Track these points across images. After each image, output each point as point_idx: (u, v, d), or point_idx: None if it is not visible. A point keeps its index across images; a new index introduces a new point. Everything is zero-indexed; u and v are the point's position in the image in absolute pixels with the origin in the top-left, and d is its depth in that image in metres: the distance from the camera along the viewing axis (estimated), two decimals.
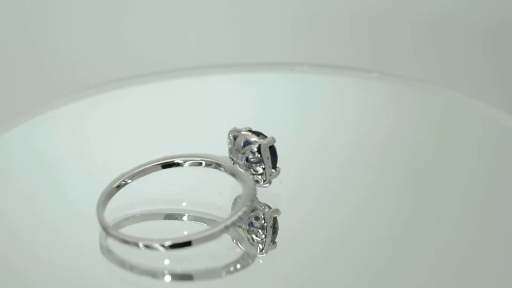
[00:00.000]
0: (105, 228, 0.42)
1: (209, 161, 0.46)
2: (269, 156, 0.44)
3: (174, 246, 0.40)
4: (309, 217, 0.46)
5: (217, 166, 0.46)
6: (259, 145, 0.43)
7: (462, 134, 0.54)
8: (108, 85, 0.61)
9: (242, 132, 0.44)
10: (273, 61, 0.69)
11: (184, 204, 0.46)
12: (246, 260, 0.42)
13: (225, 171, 0.45)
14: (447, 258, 0.43)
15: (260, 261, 0.42)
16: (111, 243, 0.42)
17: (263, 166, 0.44)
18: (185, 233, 0.43)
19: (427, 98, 0.58)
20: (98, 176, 0.48)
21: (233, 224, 0.42)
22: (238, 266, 0.42)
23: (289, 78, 0.62)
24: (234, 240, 0.43)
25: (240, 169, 0.45)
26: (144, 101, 0.60)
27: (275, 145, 0.45)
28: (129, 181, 0.45)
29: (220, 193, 0.46)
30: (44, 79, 0.88)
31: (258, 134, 0.45)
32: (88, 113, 0.58)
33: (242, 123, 0.45)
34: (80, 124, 0.56)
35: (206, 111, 0.58)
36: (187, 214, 0.45)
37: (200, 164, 0.46)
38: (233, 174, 0.45)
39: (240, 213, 0.42)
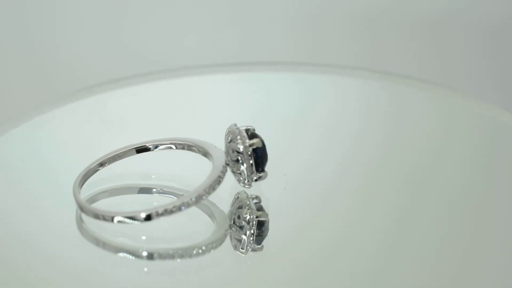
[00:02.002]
0: (80, 206, 0.43)
1: (180, 143, 0.46)
2: (252, 157, 0.44)
3: (148, 218, 0.41)
4: (306, 218, 0.46)
5: (189, 147, 0.46)
6: (241, 145, 0.43)
7: (462, 134, 0.54)
8: (108, 85, 0.61)
9: (233, 129, 0.44)
10: (273, 61, 0.69)
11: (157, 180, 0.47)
12: (217, 243, 0.43)
13: (199, 152, 0.46)
14: (447, 262, 0.43)
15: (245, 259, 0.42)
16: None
17: (244, 167, 0.44)
18: (155, 203, 0.43)
19: (427, 98, 0.58)
20: (99, 175, 0.48)
21: (192, 202, 0.42)
22: (212, 246, 0.42)
23: (289, 78, 0.62)
24: (214, 222, 0.44)
25: (212, 149, 0.45)
26: (146, 100, 0.60)
27: (272, 148, 0.45)
28: (100, 168, 0.46)
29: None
30: (44, 79, 0.88)
31: (252, 134, 0.44)
32: (88, 113, 0.58)
33: (241, 123, 0.45)
34: (80, 124, 0.56)
35: (206, 110, 0.58)
36: (157, 188, 0.47)
37: (171, 147, 0.47)
38: (205, 154, 0.45)
39: (200, 190, 0.42)
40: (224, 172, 0.43)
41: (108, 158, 0.47)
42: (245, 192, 0.45)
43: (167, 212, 0.41)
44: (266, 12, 0.92)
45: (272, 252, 0.43)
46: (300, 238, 0.44)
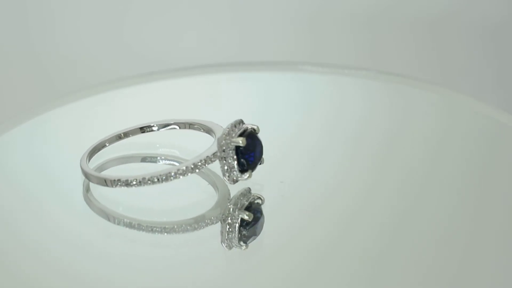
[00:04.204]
0: (86, 174, 0.45)
1: (181, 123, 0.49)
2: (233, 156, 0.44)
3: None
4: (303, 218, 0.46)
5: (191, 126, 0.48)
6: (223, 140, 0.43)
7: (462, 134, 0.54)
8: (108, 85, 0.61)
9: (229, 125, 0.44)
10: (274, 60, 0.69)
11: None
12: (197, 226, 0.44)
13: (203, 131, 0.48)
14: (445, 263, 0.43)
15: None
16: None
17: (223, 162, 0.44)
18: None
19: (427, 98, 0.58)
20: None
21: (189, 168, 0.43)
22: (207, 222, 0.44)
23: (289, 77, 0.62)
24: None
25: (216, 126, 0.46)
26: (146, 100, 0.60)
27: (271, 148, 0.44)
28: (107, 144, 0.49)
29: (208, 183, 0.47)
30: (44, 79, 0.88)
31: (248, 133, 0.44)
32: (88, 113, 0.58)
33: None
34: (80, 123, 0.56)
35: (205, 109, 0.58)
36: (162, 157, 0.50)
37: (175, 128, 0.49)
38: (209, 131, 0.47)
39: (196, 160, 0.43)
40: (205, 161, 0.44)
41: (114, 136, 0.49)
42: (246, 189, 0.45)
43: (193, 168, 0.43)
44: (266, 12, 0.92)
45: (262, 254, 0.43)
46: (297, 241, 0.44)
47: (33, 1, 0.91)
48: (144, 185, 0.43)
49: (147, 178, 0.43)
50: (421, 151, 0.52)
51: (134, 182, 0.43)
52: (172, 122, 0.49)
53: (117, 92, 0.60)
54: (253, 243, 0.43)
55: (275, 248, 0.43)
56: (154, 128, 0.50)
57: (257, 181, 0.45)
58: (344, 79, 0.61)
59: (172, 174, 0.43)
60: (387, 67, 0.81)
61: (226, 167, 0.44)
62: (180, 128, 0.49)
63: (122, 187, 0.43)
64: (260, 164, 0.45)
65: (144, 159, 0.49)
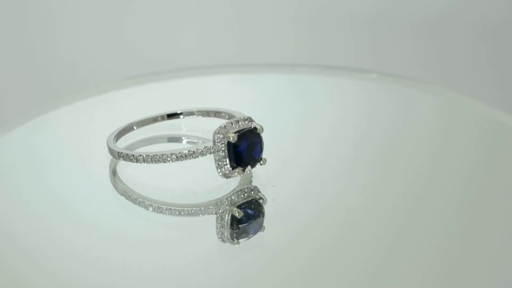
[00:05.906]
0: (111, 150, 0.47)
1: (206, 112, 0.52)
2: (225, 150, 0.44)
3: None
4: (304, 219, 0.46)
5: (217, 114, 0.52)
6: (217, 134, 0.44)
7: (462, 134, 0.54)
8: (108, 85, 0.61)
9: (231, 121, 0.44)
10: (274, 62, 0.69)
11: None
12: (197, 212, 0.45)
13: (228, 118, 0.50)
14: (444, 263, 0.43)
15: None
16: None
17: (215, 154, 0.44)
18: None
19: (427, 98, 0.58)
20: (98, 175, 0.48)
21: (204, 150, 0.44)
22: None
23: (289, 79, 0.62)
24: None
25: (238, 114, 0.48)
26: (145, 101, 0.60)
27: (271, 150, 0.45)
28: (135, 127, 0.52)
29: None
30: (44, 79, 0.88)
31: (245, 132, 0.44)
32: (88, 113, 0.58)
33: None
34: (80, 124, 0.56)
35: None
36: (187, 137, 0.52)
37: (200, 116, 0.53)
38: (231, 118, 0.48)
39: (193, 147, 0.45)
40: (202, 151, 0.44)
41: (149, 119, 0.52)
42: (250, 187, 0.45)
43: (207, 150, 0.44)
44: (266, 12, 0.92)
45: (261, 254, 0.43)
46: (298, 242, 0.44)
47: (33, 1, 0.91)
48: (146, 163, 0.45)
49: (144, 155, 0.45)
50: (421, 152, 0.52)
51: (132, 157, 0.45)
52: (197, 111, 0.52)
53: (117, 92, 0.60)
54: (253, 243, 0.43)
55: (274, 248, 0.43)
56: (180, 116, 0.53)
57: (260, 181, 0.45)
58: (345, 80, 0.61)
59: (168, 158, 0.45)
60: (387, 68, 0.82)
61: (217, 161, 0.44)
62: (203, 116, 0.52)
63: (127, 161, 0.46)
64: (261, 164, 0.45)
65: (170, 140, 0.52)
